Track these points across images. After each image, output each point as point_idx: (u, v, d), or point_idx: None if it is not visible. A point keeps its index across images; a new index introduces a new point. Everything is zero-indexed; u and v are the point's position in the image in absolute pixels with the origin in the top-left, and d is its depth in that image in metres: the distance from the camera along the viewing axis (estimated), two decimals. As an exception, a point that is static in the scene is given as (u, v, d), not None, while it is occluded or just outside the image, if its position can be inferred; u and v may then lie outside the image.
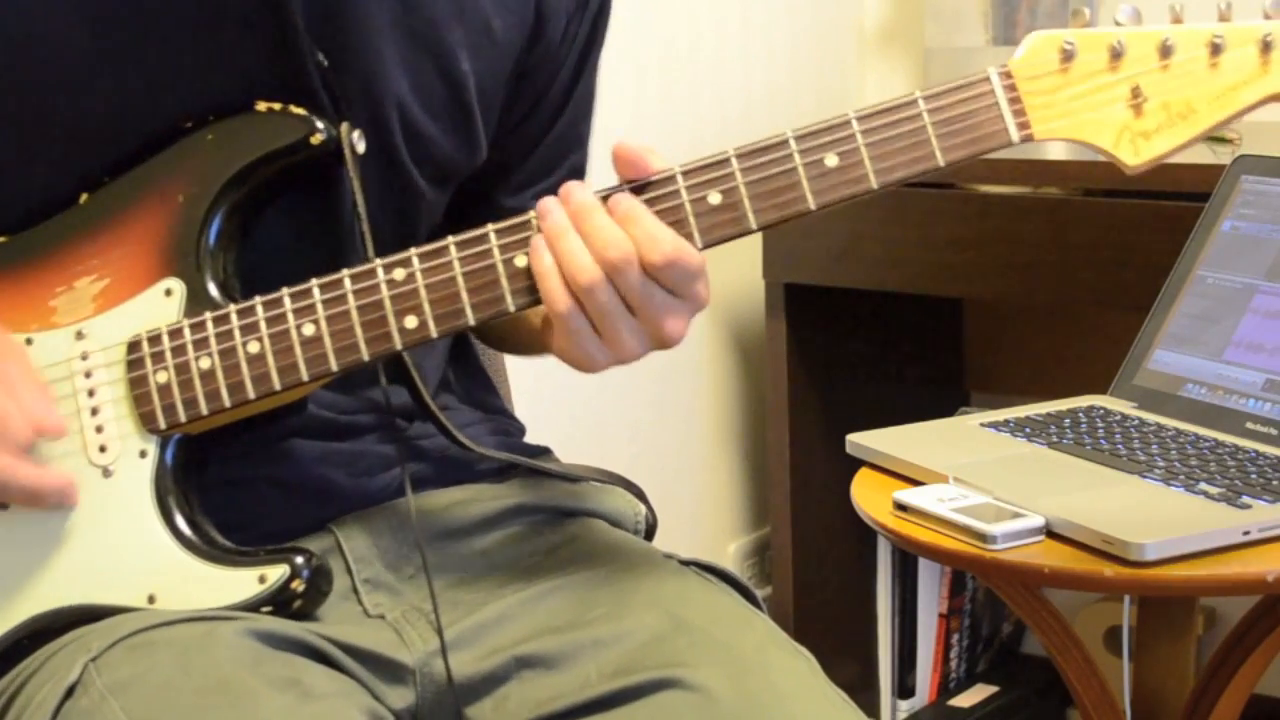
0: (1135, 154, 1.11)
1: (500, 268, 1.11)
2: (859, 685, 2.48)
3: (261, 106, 1.16)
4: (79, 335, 1.15)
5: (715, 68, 2.52)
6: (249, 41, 1.16)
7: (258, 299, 1.13)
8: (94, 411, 1.14)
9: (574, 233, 1.09)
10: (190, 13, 1.15)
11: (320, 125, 1.15)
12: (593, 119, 1.37)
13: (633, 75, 2.36)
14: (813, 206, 1.10)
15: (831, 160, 1.10)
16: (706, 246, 1.11)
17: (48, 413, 1.13)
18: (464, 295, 1.11)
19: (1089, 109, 1.10)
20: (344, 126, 1.16)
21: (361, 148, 1.17)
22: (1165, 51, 1.10)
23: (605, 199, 1.10)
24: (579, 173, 1.36)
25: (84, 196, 1.17)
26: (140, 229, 1.16)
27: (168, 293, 1.15)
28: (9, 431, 1.10)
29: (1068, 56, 1.10)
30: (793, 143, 1.10)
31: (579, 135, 1.35)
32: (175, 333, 1.14)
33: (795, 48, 2.67)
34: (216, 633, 1.08)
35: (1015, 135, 1.10)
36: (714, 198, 1.10)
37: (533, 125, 1.32)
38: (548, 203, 1.11)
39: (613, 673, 1.12)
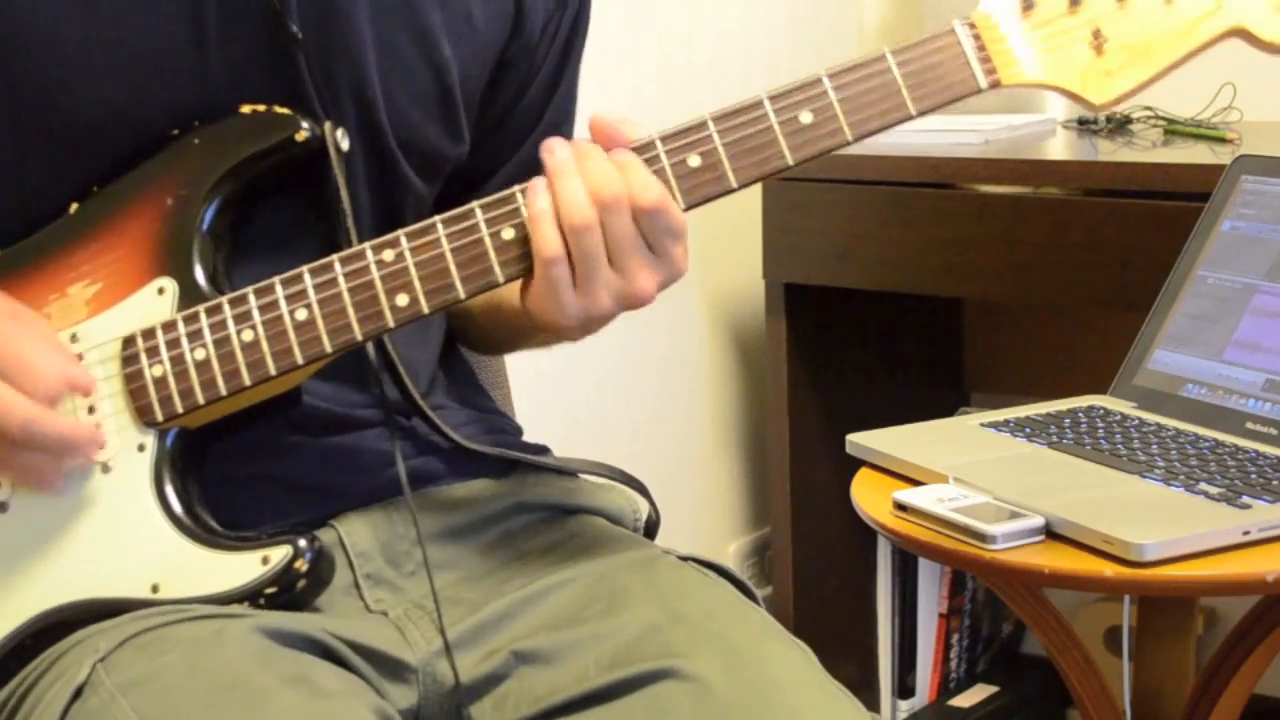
0: (1101, 93, 1.15)
1: (488, 241, 1.13)
2: (859, 685, 2.48)
3: (246, 108, 1.17)
4: (73, 338, 1.16)
5: (715, 68, 2.52)
6: (236, 29, 1.16)
7: (249, 289, 1.14)
8: (90, 409, 1.15)
9: (575, 173, 1.11)
10: (179, 3, 1.15)
11: (304, 124, 1.16)
12: (574, 124, 1.37)
13: (631, 75, 2.36)
14: (790, 162, 1.14)
15: (806, 117, 1.13)
16: (689, 207, 1.14)
17: (77, 369, 1.13)
18: (453, 270, 1.13)
19: (1052, 53, 1.14)
20: (328, 125, 1.17)
21: (346, 145, 1.18)
22: None
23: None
24: None
25: (74, 206, 1.18)
26: (131, 232, 1.17)
27: (160, 291, 1.16)
28: (40, 381, 1.10)
29: (1029, 5, 1.14)
30: (767, 103, 1.14)
31: (561, 138, 1.36)
32: (169, 327, 1.15)
33: (795, 48, 2.67)
34: (226, 631, 1.09)
35: (983, 82, 1.14)
36: (694, 160, 1.13)
37: (514, 124, 1.33)
38: (554, 140, 1.13)
39: (609, 664, 1.13)
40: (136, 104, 1.16)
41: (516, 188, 1.13)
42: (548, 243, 1.11)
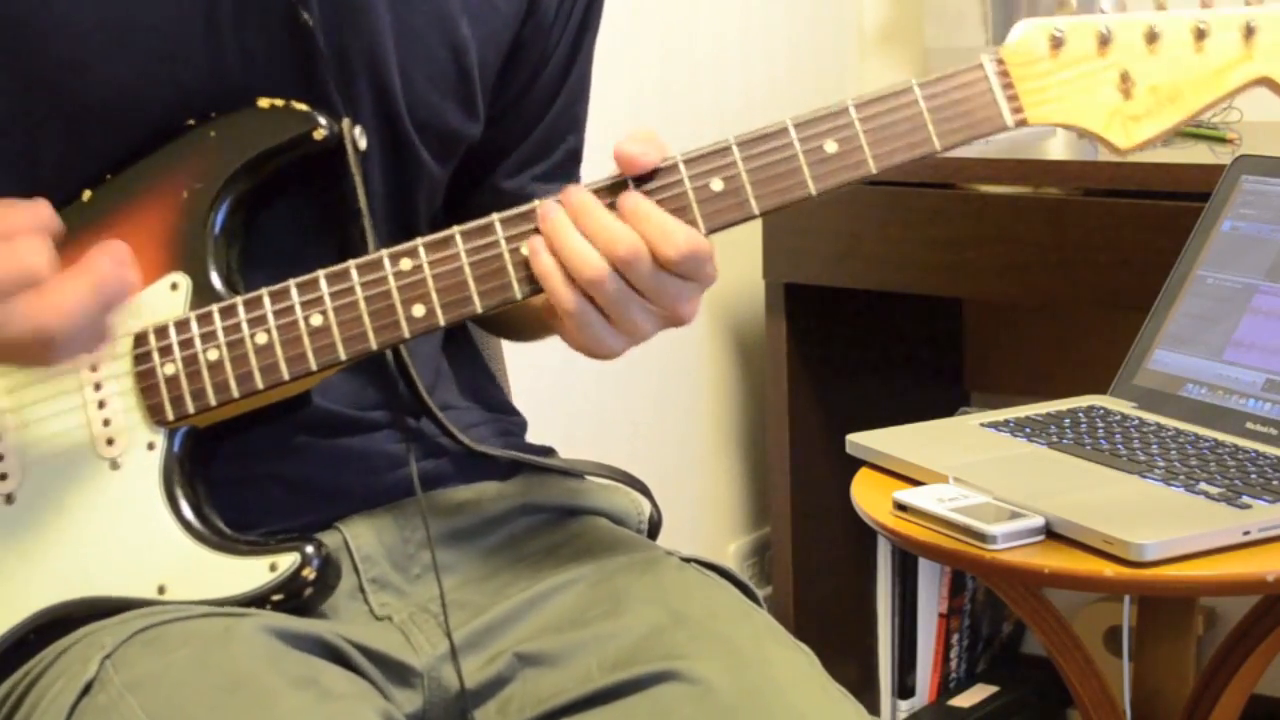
0: (1126, 137, 1.14)
1: (506, 256, 1.12)
2: (859, 685, 2.48)
3: (264, 103, 1.16)
4: (86, 329, 1.15)
5: (715, 67, 2.52)
6: (251, 14, 1.16)
7: (264, 290, 1.14)
8: (101, 405, 1.14)
9: (575, 231, 1.10)
10: None
11: (323, 121, 1.16)
12: (588, 103, 1.37)
13: (632, 74, 2.36)
14: (813, 191, 1.13)
15: (831, 147, 1.12)
16: (710, 232, 1.13)
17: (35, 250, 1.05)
18: (471, 284, 1.12)
19: (1079, 94, 1.13)
20: (345, 123, 1.16)
21: (364, 144, 1.18)
22: (1151, 38, 1.13)
23: (611, 202, 1.11)
24: (575, 156, 1.37)
25: (87, 194, 1.17)
26: (144, 224, 1.16)
27: (173, 287, 1.16)
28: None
29: (1058, 43, 1.13)
30: (792, 130, 1.12)
31: (575, 118, 1.36)
32: (182, 325, 1.14)
33: (795, 48, 2.67)
34: (234, 629, 1.08)
35: (1010, 120, 1.13)
36: (716, 184, 1.12)
37: (529, 105, 1.32)
38: (547, 204, 1.12)
39: (612, 666, 1.13)
40: (149, 88, 1.15)
41: (537, 202, 1.12)
42: (563, 299, 1.10)
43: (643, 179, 1.12)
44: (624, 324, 1.11)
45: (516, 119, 1.32)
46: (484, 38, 1.25)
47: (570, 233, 1.10)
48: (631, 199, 1.10)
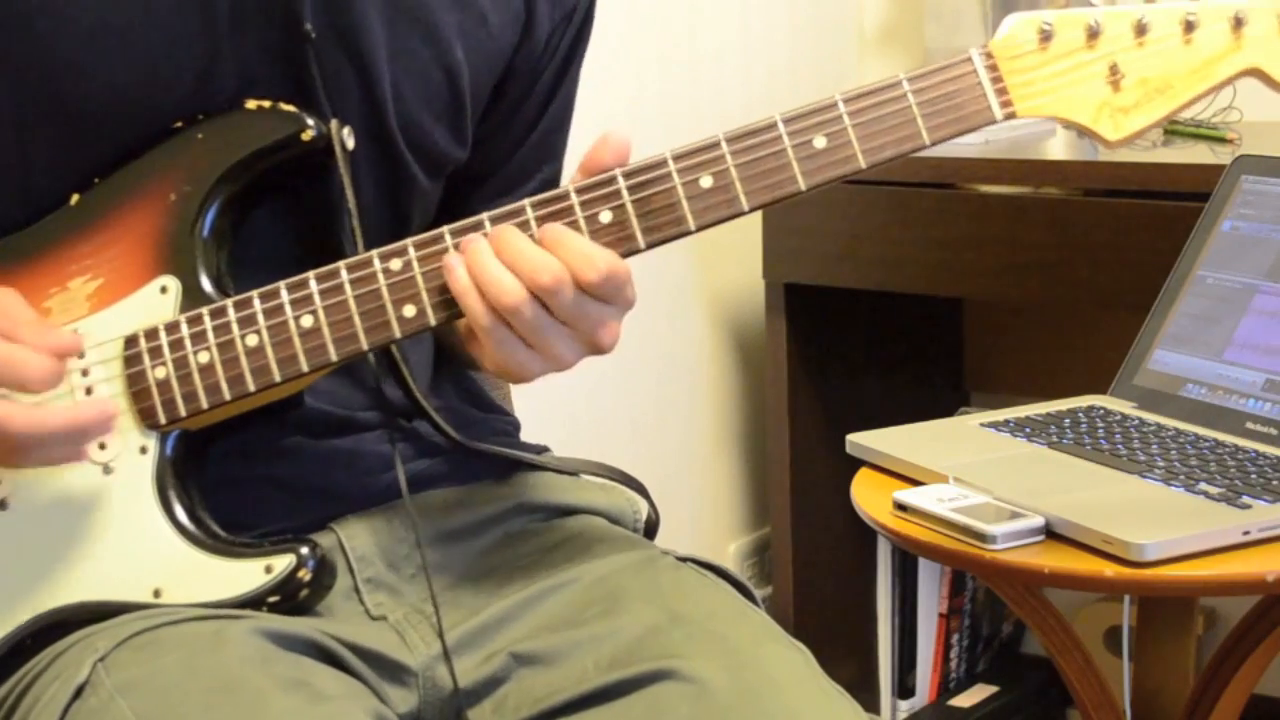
0: (1115, 129, 1.14)
1: None
2: (859, 685, 2.48)
3: (251, 104, 1.16)
4: (74, 334, 1.15)
5: (715, 67, 2.52)
6: (247, 21, 1.16)
7: (254, 292, 1.14)
8: None
9: (495, 259, 1.09)
10: None
11: (310, 122, 1.15)
12: (568, 134, 1.37)
13: (632, 75, 2.36)
14: (803, 187, 1.12)
15: (820, 142, 1.12)
16: (700, 229, 1.13)
17: (56, 337, 1.10)
18: None
19: (1069, 86, 1.14)
20: (334, 123, 1.16)
21: (351, 144, 1.18)
22: (1140, 29, 1.13)
23: (536, 222, 1.11)
24: (552, 184, 1.36)
25: (75, 197, 1.17)
26: (133, 228, 1.16)
27: (163, 290, 1.15)
28: (34, 370, 1.07)
29: (1046, 36, 1.13)
30: (781, 125, 1.12)
31: (553, 147, 1.35)
32: (172, 328, 1.14)
33: (795, 47, 2.67)
34: (225, 632, 1.08)
35: (999, 113, 1.13)
36: (705, 181, 1.12)
37: (509, 132, 1.32)
38: (472, 235, 1.11)
39: (609, 665, 1.13)
40: (142, 92, 1.15)
41: (527, 200, 1.12)
42: (479, 316, 1.09)
43: (631, 174, 1.12)
44: (543, 349, 1.11)
45: (496, 145, 1.32)
46: (477, 63, 1.25)
47: (490, 260, 1.09)
48: (553, 229, 1.10)
